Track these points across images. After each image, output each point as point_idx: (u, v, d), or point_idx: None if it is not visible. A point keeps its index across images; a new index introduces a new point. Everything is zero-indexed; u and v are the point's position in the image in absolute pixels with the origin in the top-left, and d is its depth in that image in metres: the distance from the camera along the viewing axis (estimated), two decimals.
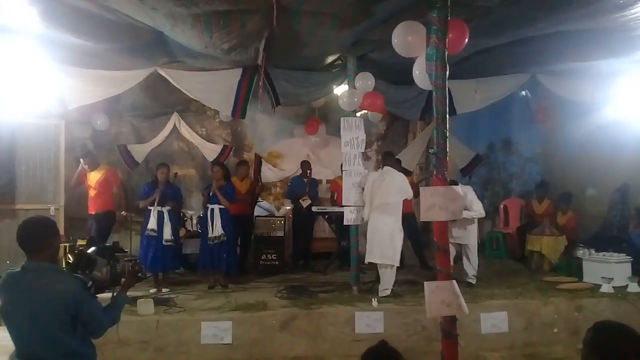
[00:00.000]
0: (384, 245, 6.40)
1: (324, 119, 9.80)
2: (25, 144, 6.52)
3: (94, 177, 7.59)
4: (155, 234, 6.85)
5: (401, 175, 6.71)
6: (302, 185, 8.64)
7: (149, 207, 6.94)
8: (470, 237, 6.97)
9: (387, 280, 6.42)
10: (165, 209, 6.92)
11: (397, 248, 6.44)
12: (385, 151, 7.29)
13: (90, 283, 2.84)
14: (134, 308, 5.60)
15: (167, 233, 6.88)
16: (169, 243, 6.89)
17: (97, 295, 2.95)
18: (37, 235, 2.75)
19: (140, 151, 9.25)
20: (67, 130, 7.21)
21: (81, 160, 7.63)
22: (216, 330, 5.51)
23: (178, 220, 7.43)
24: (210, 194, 7.02)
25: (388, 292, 6.38)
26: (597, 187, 8.80)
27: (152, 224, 6.86)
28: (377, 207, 6.46)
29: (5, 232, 6.20)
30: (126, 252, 3.42)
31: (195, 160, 9.78)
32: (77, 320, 2.70)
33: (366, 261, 6.63)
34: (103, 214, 7.54)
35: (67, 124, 7.24)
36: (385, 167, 6.74)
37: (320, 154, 10.02)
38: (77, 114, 7.98)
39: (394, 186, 6.50)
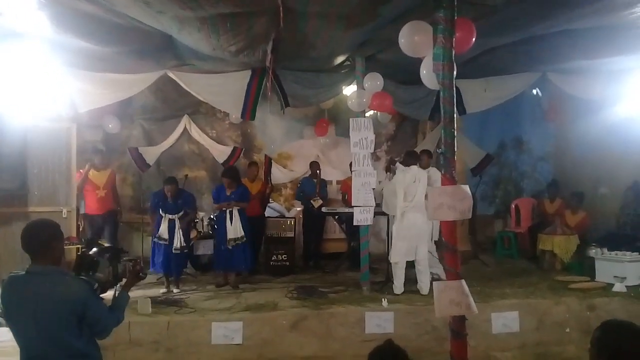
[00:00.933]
0: (427, 241, 6.61)
1: (333, 120, 9.79)
2: (37, 148, 6.58)
3: (102, 178, 7.71)
4: (166, 242, 6.86)
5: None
6: (312, 186, 8.66)
7: (161, 214, 6.96)
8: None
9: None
10: (176, 217, 6.92)
11: None
12: (409, 150, 7.28)
13: (95, 285, 2.86)
14: (135, 306, 5.65)
15: (177, 241, 6.88)
16: (177, 251, 6.88)
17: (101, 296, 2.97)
18: (41, 239, 2.76)
19: (151, 153, 9.31)
20: (79, 133, 7.26)
21: (95, 159, 7.74)
22: (227, 330, 5.54)
23: (188, 226, 7.44)
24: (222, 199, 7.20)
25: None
26: (609, 185, 8.73)
27: (163, 231, 6.88)
28: (416, 206, 6.48)
29: (17, 235, 6.18)
30: (127, 252, 3.46)
31: (206, 162, 9.81)
32: (84, 322, 2.72)
33: (408, 259, 6.55)
34: (114, 213, 7.79)
35: (79, 127, 7.30)
36: (414, 167, 6.67)
37: (329, 155, 10.01)
38: (88, 117, 8.04)
39: (425, 185, 6.57)
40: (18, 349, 3.46)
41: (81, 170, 7.71)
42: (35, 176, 6.56)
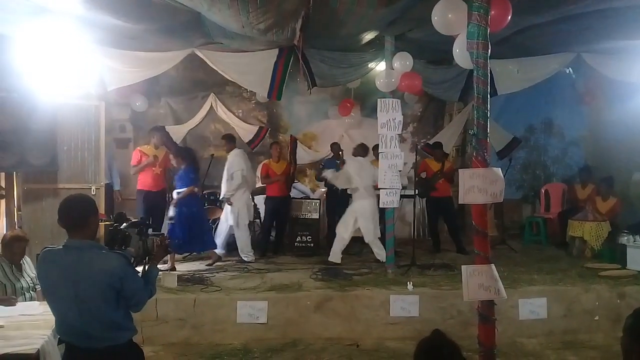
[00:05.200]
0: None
1: (359, 100, 9.70)
2: (67, 125, 6.64)
3: (159, 156, 7.67)
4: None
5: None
6: (334, 167, 8.57)
7: None
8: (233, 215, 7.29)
9: None
10: None
11: None
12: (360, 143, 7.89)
13: (132, 259, 2.89)
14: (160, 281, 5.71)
15: None
16: None
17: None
18: (79, 213, 2.79)
19: (178, 132, 9.37)
20: (107, 111, 7.30)
21: (154, 137, 7.71)
22: (252, 309, 5.59)
23: None
24: None
25: None
26: None
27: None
28: None
29: (48, 211, 6.37)
30: (153, 227, 3.49)
31: None
32: (121, 295, 2.76)
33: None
34: (165, 192, 7.84)
35: (107, 106, 7.34)
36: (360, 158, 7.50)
37: (354, 136, 9.92)
38: (117, 95, 8.12)
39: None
40: (49, 322, 3.54)
41: (139, 149, 7.74)
42: (65, 153, 6.63)
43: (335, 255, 7.25)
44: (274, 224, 8.25)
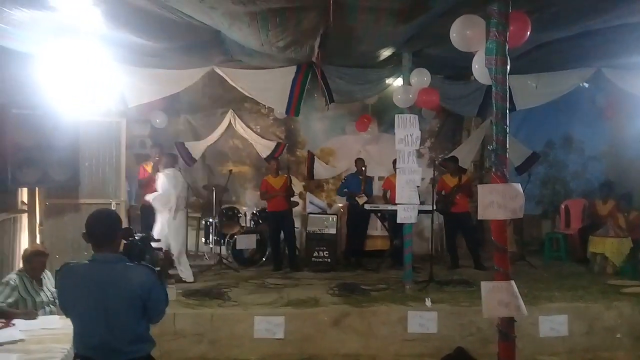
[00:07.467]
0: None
1: (376, 116, 9.71)
2: (89, 141, 6.75)
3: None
4: None
5: None
6: (357, 182, 8.58)
7: None
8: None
9: None
10: None
11: None
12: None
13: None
14: None
15: None
16: None
17: None
18: (108, 227, 2.85)
19: (197, 148, 9.45)
20: (127, 128, 7.41)
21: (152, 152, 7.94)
22: (269, 325, 5.58)
23: None
24: None
25: None
26: None
27: None
28: None
29: (69, 226, 6.46)
30: (159, 241, 3.55)
31: (250, 157, 9.90)
32: (147, 306, 2.79)
33: None
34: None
35: (128, 122, 7.46)
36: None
37: (371, 151, 9.92)
38: (137, 112, 8.23)
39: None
40: (69, 336, 3.56)
41: (143, 165, 7.98)
42: (86, 169, 6.74)
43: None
44: (280, 238, 8.28)
